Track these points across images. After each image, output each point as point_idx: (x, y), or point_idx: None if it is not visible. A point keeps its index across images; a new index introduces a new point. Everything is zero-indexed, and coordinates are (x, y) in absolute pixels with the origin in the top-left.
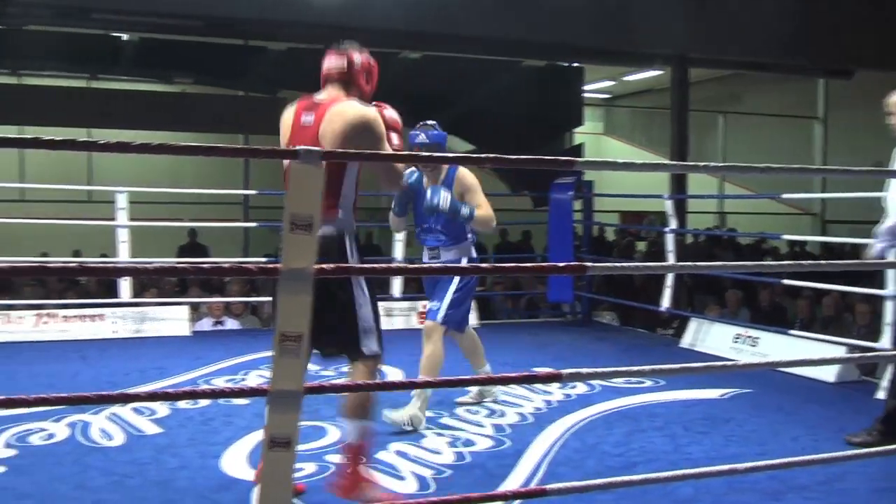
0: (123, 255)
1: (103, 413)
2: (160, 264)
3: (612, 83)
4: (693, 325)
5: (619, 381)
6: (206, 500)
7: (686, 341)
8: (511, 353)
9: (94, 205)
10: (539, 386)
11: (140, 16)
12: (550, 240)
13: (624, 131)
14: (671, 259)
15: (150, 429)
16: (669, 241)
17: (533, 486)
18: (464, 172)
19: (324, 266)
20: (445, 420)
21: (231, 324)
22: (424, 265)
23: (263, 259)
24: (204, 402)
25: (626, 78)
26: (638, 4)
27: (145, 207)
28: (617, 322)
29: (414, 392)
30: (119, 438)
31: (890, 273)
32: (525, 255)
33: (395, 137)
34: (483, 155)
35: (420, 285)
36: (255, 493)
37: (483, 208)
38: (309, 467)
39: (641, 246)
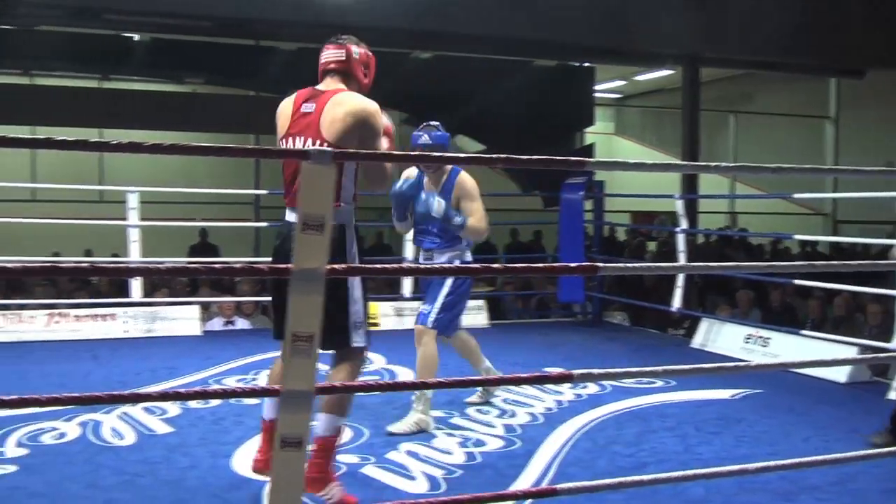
0: (135, 254)
1: (114, 412)
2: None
3: (622, 83)
4: (704, 325)
5: (629, 382)
6: (216, 500)
7: (697, 341)
8: (522, 353)
9: (106, 205)
10: (550, 386)
11: (151, 16)
12: (561, 240)
13: (635, 131)
14: (682, 259)
15: (162, 428)
16: (680, 242)
17: (543, 486)
18: (465, 177)
19: (335, 266)
20: (456, 420)
21: (242, 323)
22: (436, 265)
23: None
24: (215, 402)
25: (637, 78)
26: (649, 4)
27: (156, 207)
28: (628, 322)
29: (413, 396)
30: (130, 438)
31: None
32: (536, 255)
33: (385, 142)
34: (494, 155)
35: None
36: (266, 493)
37: (476, 217)
38: None
39: (652, 246)
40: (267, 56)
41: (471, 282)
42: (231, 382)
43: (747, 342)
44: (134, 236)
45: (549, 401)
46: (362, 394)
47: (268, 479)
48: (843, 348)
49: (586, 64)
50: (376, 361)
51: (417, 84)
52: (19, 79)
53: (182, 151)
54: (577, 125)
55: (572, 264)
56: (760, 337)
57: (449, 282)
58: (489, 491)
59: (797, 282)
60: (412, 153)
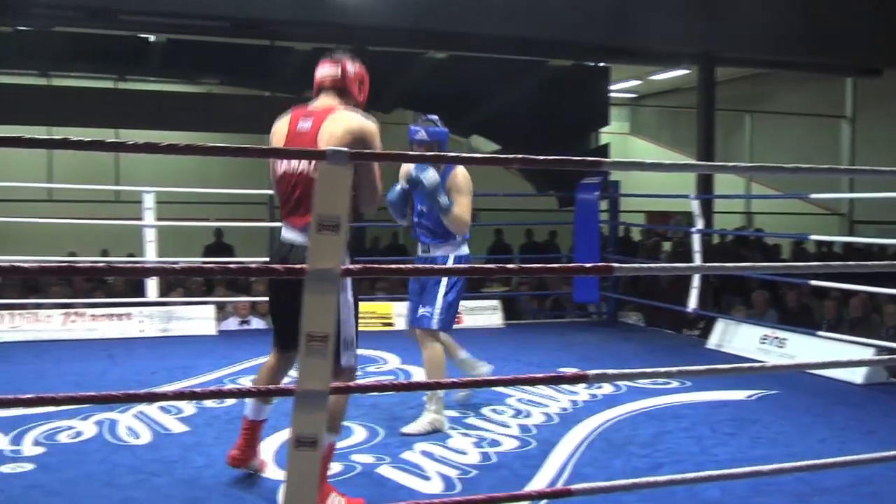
0: (150, 254)
1: (130, 411)
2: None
3: (638, 83)
4: (720, 325)
5: (645, 382)
6: (232, 499)
7: (713, 342)
8: (537, 353)
9: (122, 205)
10: (565, 386)
11: (167, 17)
12: (576, 240)
13: (650, 131)
14: (697, 259)
15: (177, 427)
16: (696, 242)
17: (559, 486)
18: (459, 171)
19: (350, 267)
20: (471, 420)
21: (257, 323)
22: (450, 266)
23: None
24: (230, 401)
25: (652, 77)
26: (664, 3)
27: (172, 207)
28: (643, 322)
29: (425, 397)
30: (146, 437)
31: None
32: (551, 256)
33: (375, 166)
34: (510, 155)
35: None
36: (281, 492)
37: (461, 210)
38: (335, 467)
39: (667, 246)
40: (282, 56)
41: (466, 276)
42: (246, 382)
43: (763, 343)
44: (150, 236)
45: (565, 401)
46: (377, 394)
47: (245, 471)
48: (859, 349)
49: (601, 64)
50: (391, 361)
51: (432, 84)
52: (36, 80)
53: (198, 152)
54: (593, 125)
55: (587, 264)
56: (776, 338)
57: (445, 279)
58: (504, 491)
59: (813, 282)
60: (428, 153)
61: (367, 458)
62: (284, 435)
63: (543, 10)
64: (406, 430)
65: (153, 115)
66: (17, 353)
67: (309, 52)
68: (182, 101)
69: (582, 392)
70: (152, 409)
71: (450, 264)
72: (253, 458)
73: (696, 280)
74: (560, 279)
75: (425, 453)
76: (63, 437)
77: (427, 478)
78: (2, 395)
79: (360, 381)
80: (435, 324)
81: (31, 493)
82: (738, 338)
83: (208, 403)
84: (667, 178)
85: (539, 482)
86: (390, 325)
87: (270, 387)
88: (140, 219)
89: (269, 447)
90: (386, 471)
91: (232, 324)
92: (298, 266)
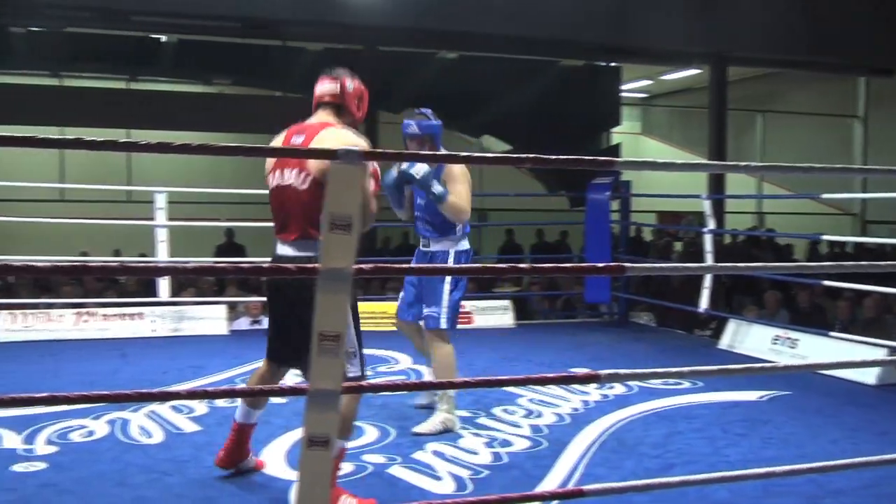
0: (162, 254)
1: (142, 411)
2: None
3: (649, 82)
4: (731, 326)
5: (656, 383)
6: (244, 498)
7: (724, 342)
8: (548, 353)
9: (134, 205)
10: (576, 386)
11: (178, 18)
12: (587, 240)
13: (662, 131)
14: (709, 259)
15: (189, 427)
16: (707, 242)
17: (570, 487)
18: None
19: (363, 266)
20: (482, 420)
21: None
22: (462, 266)
23: None
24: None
25: (663, 77)
26: (675, 3)
27: (184, 207)
28: (654, 323)
29: (436, 397)
30: (158, 436)
31: None
32: (562, 256)
33: (371, 183)
34: (521, 155)
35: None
36: (294, 491)
37: (458, 198)
38: (346, 467)
39: (679, 246)
40: (294, 56)
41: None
42: None
43: (775, 343)
44: (161, 236)
45: (576, 401)
46: (388, 394)
47: (230, 471)
48: (872, 350)
49: (613, 64)
50: (402, 361)
51: (443, 84)
52: (48, 80)
53: (210, 152)
54: (604, 125)
55: (599, 264)
56: (788, 338)
57: (449, 277)
58: (516, 492)
59: (826, 283)
60: (439, 153)
61: (379, 459)
62: (297, 435)
63: (554, 10)
64: (417, 430)
65: (164, 116)
66: (29, 353)
67: (320, 53)
68: (193, 102)
69: (593, 392)
70: (164, 409)
71: (450, 260)
72: (242, 459)
73: (707, 280)
74: (571, 279)
75: (437, 453)
76: (75, 437)
77: (438, 478)
78: (14, 395)
79: (371, 381)
80: (443, 323)
81: (44, 491)
82: (749, 338)
83: (220, 403)
84: (678, 178)
85: (551, 482)
86: None
87: (282, 386)
88: (152, 219)
89: (281, 447)
90: (397, 471)
91: (243, 323)
92: (311, 266)
